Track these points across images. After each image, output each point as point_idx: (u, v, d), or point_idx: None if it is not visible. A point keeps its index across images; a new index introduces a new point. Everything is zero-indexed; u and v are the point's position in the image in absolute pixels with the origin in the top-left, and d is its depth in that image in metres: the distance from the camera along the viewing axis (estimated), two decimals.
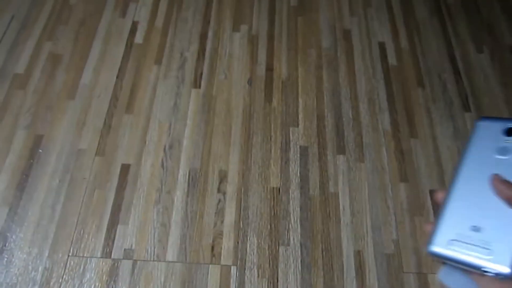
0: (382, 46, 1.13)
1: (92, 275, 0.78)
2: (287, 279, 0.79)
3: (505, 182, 0.34)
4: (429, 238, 0.34)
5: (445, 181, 0.92)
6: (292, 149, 0.94)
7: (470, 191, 0.35)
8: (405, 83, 1.06)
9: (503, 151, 0.36)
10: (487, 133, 0.37)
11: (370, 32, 1.16)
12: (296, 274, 0.80)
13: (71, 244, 0.80)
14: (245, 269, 0.80)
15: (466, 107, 1.03)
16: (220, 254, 0.81)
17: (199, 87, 1.02)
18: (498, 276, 0.31)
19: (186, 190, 0.88)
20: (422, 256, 0.84)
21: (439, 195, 0.38)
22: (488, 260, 0.32)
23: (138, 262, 0.79)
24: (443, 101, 1.04)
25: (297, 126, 0.97)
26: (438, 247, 0.33)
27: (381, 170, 0.93)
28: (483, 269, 0.31)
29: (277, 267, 0.80)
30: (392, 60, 1.10)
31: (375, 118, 1.00)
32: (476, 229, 0.33)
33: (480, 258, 0.32)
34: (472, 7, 1.23)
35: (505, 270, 0.30)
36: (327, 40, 1.13)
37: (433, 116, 1.01)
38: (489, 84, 1.07)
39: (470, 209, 0.35)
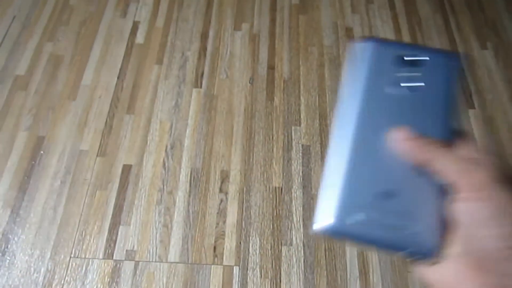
0: None
1: (94, 276, 0.77)
2: (290, 280, 0.79)
3: (414, 138, 0.25)
4: (318, 211, 0.25)
5: None
6: (294, 148, 0.93)
7: (364, 142, 0.26)
8: None
9: (399, 87, 0.27)
10: (374, 61, 0.28)
11: (372, 30, 1.15)
12: (299, 274, 0.79)
13: (73, 246, 0.80)
14: (247, 269, 0.79)
15: (470, 104, 1.02)
16: (222, 254, 0.81)
17: (200, 86, 1.01)
18: (421, 258, 0.24)
19: (188, 190, 0.87)
20: None
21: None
22: (411, 238, 0.24)
23: (140, 263, 0.79)
24: None
25: (299, 125, 0.97)
26: (335, 222, 0.24)
27: None
28: (403, 252, 0.24)
29: (279, 267, 0.80)
30: None
31: None
32: (389, 195, 0.25)
33: (400, 236, 0.24)
34: (475, 4, 1.22)
35: (432, 250, 0.23)
36: (329, 38, 1.12)
37: None
38: (493, 81, 1.06)
39: (377, 164, 0.25)
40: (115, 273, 0.78)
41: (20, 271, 0.77)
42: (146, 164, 0.90)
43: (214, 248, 0.81)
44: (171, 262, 0.79)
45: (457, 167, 0.23)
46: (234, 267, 0.80)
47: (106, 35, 1.09)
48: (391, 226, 0.24)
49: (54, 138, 0.92)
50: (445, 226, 0.25)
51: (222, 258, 0.80)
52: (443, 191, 0.25)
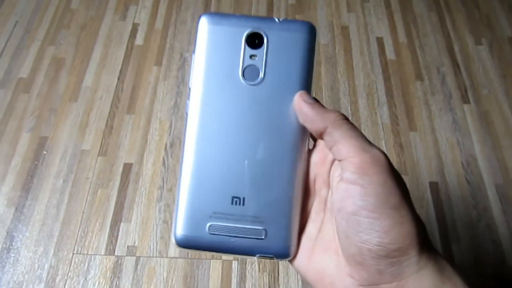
0: (380, 41, 1.13)
1: (97, 271, 0.79)
2: (287, 273, 0.80)
3: (314, 103, 0.25)
4: (175, 221, 0.24)
5: (444, 172, 0.92)
6: None
7: (218, 139, 0.24)
8: (403, 77, 1.07)
9: (250, 73, 0.25)
10: (223, 42, 0.25)
11: (368, 28, 1.16)
12: None
13: (76, 242, 0.82)
14: (246, 263, 0.81)
15: (465, 99, 1.03)
16: None
17: None
18: (277, 259, 0.24)
19: None
20: None
21: None
22: (263, 242, 0.24)
23: (141, 258, 0.81)
24: (442, 94, 1.04)
25: None
26: (190, 234, 0.23)
27: None
28: (258, 255, 0.24)
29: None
30: (390, 54, 1.11)
31: (374, 112, 1.00)
32: (238, 200, 0.24)
33: (252, 241, 0.24)
34: (470, 0, 1.24)
35: (284, 250, 0.23)
36: (325, 36, 1.14)
37: (432, 109, 1.01)
38: (488, 76, 1.07)
39: (223, 170, 0.24)
40: (117, 268, 0.80)
41: (25, 268, 0.79)
42: (146, 163, 0.92)
43: None
44: (171, 257, 0.81)
45: (352, 143, 0.23)
46: (233, 262, 0.81)
47: (106, 38, 1.11)
48: (240, 232, 0.24)
49: (56, 139, 0.94)
50: (299, 223, 0.25)
51: None
52: (298, 187, 0.25)
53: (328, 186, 0.26)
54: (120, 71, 1.05)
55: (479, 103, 1.03)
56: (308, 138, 0.26)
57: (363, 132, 0.88)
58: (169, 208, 0.86)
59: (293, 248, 0.25)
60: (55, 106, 0.99)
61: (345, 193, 0.23)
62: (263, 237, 0.24)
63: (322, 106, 0.25)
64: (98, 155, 0.92)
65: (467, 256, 0.82)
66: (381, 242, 0.21)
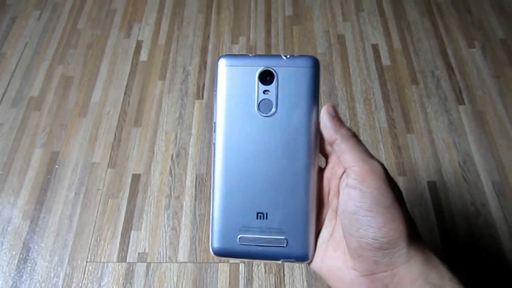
0: (375, 48, 1.17)
1: (110, 278, 0.83)
2: (293, 274, 0.83)
3: (335, 116, 0.30)
4: (211, 234, 0.28)
5: (442, 172, 0.95)
6: None
7: (242, 165, 0.29)
8: (399, 81, 1.10)
9: (264, 106, 0.29)
10: (240, 80, 0.29)
11: (363, 36, 1.20)
12: (302, 268, 0.84)
13: (89, 251, 0.86)
14: (252, 265, 0.84)
15: (460, 100, 1.06)
16: None
17: (202, 98, 1.07)
18: (298, 262, 0.29)
19: (194, 194, 0.93)
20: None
21: None
22: (285, 249, 0.28)
23: (152, 264, 0.84)
24: (437, 96, 1.07)
25: None
26: (224, 246, 0.28)
27: None
28: (281, 260, 0.29)
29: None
30: (385, 60, 1.15)
31: (372, 117, 1.04)
32: (262, 215, 0.28)
33: (276, 248, 0.28)
34: (462, 5, 1.27)
35: (303, 255, 0.28)
36: (322, 46, 1.18)
37: (428, 111, 1.05)
38: (481, 77, 1.11)
39: (248, 190, 0.28)
40: (129, 274, 0.83)
41: (41, 277, 0.83)
42: (153, 173, 0.96)
43: None
44: (181, 262, 0.84)
45: (355, 155, 0.28)
46: (240, 264, 0.84)
47: (112, 55, 1.16)
48: (266, 241, 0.28)
49: (67, 153, 0.99)
50: (315, 231, 0.30)
51: None
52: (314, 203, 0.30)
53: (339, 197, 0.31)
54: (126, 86, 1.10)
55: (474, 104, 1.06)
56: (318, 158, 0.31)
57: (361, 136, 0.92)
58: (177, 215, 0.90)
59: (311, 253, 0.29)
60: (65, 122, 1.04)
61: (348, 196, 0.28)
62: (285, 245, 0.29)
63: (340, 120, 0.30)
64: (107, 167, 0.96)
65: (466, 252, 0.85)
66: (375, 236, 0.26)
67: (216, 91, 0.30)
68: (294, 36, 1.20)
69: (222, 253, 0.29)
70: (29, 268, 0.84)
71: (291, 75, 0.30)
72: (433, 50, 1.17)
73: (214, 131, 0.29)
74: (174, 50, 1.18)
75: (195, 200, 0.92)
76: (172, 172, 0.96)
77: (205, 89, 1.09)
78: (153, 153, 0.99)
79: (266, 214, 0.28)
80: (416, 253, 0.27)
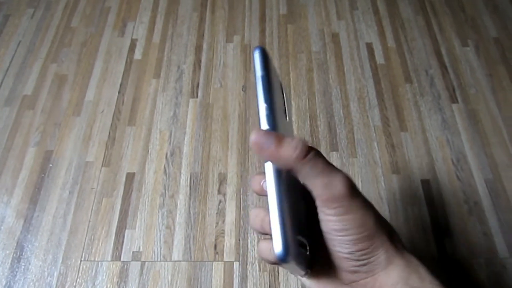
0: (369, 47, 1.18)
1: (104, 277, 0.83)
2: (287, 272, 0.83)
3: (270, 135, 0.26)
4: (279, 243, 0.26)
5: (435, 170, 0.95)
6: None
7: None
8: (393, 80, 1.11)
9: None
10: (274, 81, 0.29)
11: (357, 34, 1.21)
12: None
13: (83, 250, 0.86)
14: (247, 264, 0.84)
15: (453, 99, 1.07)
16: (222, 251, 0.86)
17: (196, 96, 1.07)
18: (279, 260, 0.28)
19: (188, 193, 0.93)
20: (417, 244, 0.87)
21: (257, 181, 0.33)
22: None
23: (146, 263, 0.84)
24: (431, 95, 1.08)
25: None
26: (286, 255, 0.26)
27: (373, 164, 0.97)
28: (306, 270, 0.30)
29: None
30: (380, 59, 1.15)
31: (366, 115, 1.04)
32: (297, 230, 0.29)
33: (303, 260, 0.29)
34: (456, 3, 1.28)
35: (278, 251, 0.26)
36: (317, 44, 1.18)
37: (421, 110, 1.05)
38: (475, 76, 1.11)
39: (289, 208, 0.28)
40: (123, 273, 0.83)
41: (35, 276, 0.83)
42: (148, 171, 0.95)
43: (215, 246, 0.86)
44: (175, 261, 0.84)
45: (315, 184, 0.27)
46: (235, 263, 0.84)
47: (106, 54, 1.16)
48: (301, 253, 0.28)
49: (61, 152, 0.98)
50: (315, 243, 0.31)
51: (223, 255, 0.85)
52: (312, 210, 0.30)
53: None
54: (121, 85, 1.09)
55: (467, 102, 1.06)
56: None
57: (355, 134, 0.92)
58: (171, 214, 0.90)
59: (309, 266, 0.31)
60: (59, 120, 1.03)
61: (321, 219, 0.29)
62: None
63: (278, 139, 0.27)
64: (102, 166, 0.96)
65: (459, 249, 0.86)
66: (350, 251, 0.27)
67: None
68: (288, 34, 1.20)
69: (286, 261, 0.27)
70: (23, 267, 0.84)
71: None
72: (427, 48, 1.17)
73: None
74: (169, 48, 1.17)
75: (190, 198, 0.92)
76: (167, 170, 0.96)
77: (199, 88, 1.09)
78: (148, 151, 0.98)
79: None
80: (395, 257, 0.28)
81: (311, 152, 0.26)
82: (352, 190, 0.27)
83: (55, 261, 0.85)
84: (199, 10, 1.27)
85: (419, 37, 1.20)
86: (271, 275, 0.83)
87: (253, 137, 0.26)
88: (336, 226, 0.27)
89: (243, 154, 0.98)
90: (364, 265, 0.28)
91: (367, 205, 0.28)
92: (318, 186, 0.27)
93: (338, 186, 0.27)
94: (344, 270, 0.29)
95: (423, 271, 0.28)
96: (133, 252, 0.86)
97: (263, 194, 0.33)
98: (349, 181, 0.27)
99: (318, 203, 0.28)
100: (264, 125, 0.27)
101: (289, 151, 0.25)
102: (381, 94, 1.08)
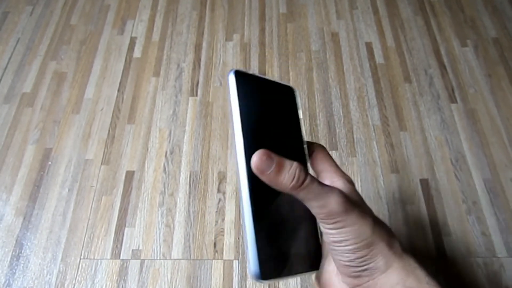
0: (369, 46, 1.18)
1: (103, 275, 0.83)
2: None
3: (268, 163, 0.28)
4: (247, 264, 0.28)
5: (434, 169, 0.96)
6: None
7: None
8: (392, 80, 1.11)
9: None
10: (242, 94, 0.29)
11: (357, 34, 1.21)
12: None
13: (82, 248, 0.86)
14: (246, 262, 0.84)
15: (452, 99, 1.07)
16: (222, 249, 0.86)
17: (196, 95, 1.07)
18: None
19: (187, 192, 0.93)
20: (415, 242, 0.88)
21: None
22: (302, 263, 0.31)
23: (146, 261, 0.84)
24: (430, 95, 1.08)
25: None
26: (260, 276, 0.27)
27: (372, 163, 0.97)
28: (305, 272, 0.32)
29: None
30: (379, 58, 1.15)
31: (365, 114, 1.04)
32: (284, 240, 0.31)
33: (299, 266, 0.31)
34: (455, 4, 1.28)
35: (254, 272, 0.27)
36: (316, 43, 1.18)
37: (420, 109, 1.05)
38: (474, 76, 1.12)
39: (270, 220, 0.29)
40: (123, 271, 0.83)
41: (34, 274, 0.83)
42: (147, 170, 0.95)
43: (214, 244, 0.86)
44: (175, 259, 0.84)
45: (313, 205, 0.29)
46: (234, 261, 0.85)
47: (105, 52, 1.16)
48: (291, 263, 0.30)
49: (60, 150, 0.98)
50: (319, 246, 0.34)
51: (222, 253, 0.85)
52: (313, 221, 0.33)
53: None
54: (120, 83, 1.09)
55: (466, 102, 1.07)
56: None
57: (355, 134, 0.92)
58: (171, 212, 0.90)
59: (316, 267, 0.34)
60: (58, 118, 1.03)
61: (322, 231, 0.31)
62: (302, 261, 0.32)
63: (278, 167, 0.28)
64: (101, 164, 0.96)
65: (458, 249, 0.86)
66: (350, 259, 0.29)
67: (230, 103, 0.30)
68: (288, 33, 1.20)
69: (261, 281, 0.28)
70: (22, 265, 0.84)
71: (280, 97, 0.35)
72: (426, 48, 1.17)
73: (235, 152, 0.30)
74: (168, 47, 1.17)
75: (189, 197, 0.92)
76: (166, 169, 0.96)
77: (199, 86, 1.09)
78: (147, 150, 0.98)
79: (286, 238, 0.31)
80: (394, 261, 0.29)
81: (307, 178, 0.28)
82: (347, 206, 0.29)
83: (54, 259, 0.84)
84: (198, 8, 1.27)
85: (419, 37, 1.20)
86: None
87: (255, 159, 0.27)
88: (336, 238, 0.29)
89: None
90: (364, 270, 0.29)
91: (363, 216, 0.30)
92: (314, 207, 0.29)
93: (333, 205, 0.28)
94: (349, 276, 0.30)
95: (420, 272, 0.29)
96: (132, 250, 0.86)
97: None
98: (343, 198, 0.29)
99: (317, 219, 0.30)
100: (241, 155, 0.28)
101: (288, 180, 0.27)
102: (381, 94, 1.08)
